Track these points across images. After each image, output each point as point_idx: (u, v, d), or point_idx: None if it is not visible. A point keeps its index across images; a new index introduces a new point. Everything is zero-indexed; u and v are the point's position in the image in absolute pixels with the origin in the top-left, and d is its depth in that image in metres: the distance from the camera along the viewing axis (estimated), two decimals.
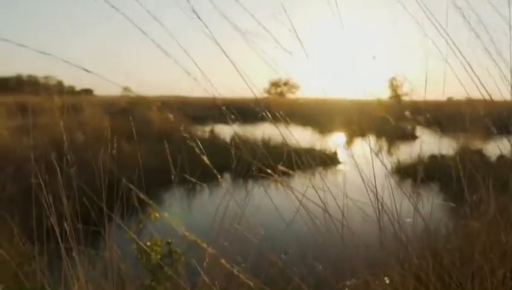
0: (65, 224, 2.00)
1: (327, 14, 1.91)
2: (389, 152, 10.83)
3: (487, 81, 1.92)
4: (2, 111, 9.46)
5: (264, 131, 9.52)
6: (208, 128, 12.22)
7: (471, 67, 1.88)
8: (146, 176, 2.55)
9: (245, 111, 1.90)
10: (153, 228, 2.36)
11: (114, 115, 9.24)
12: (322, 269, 1.99)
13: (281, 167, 1.93)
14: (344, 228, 1.79)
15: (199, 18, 1.63)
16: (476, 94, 1.95)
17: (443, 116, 2.97)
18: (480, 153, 7.97)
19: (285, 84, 44.93)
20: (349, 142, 12.16)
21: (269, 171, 1.89)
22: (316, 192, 1.80)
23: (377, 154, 2.06)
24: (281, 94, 45.18)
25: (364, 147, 2.05)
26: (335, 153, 10.38)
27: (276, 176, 1.86)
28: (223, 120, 1.96)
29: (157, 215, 2.40)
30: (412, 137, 12.89)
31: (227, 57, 1.71)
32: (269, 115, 1.82)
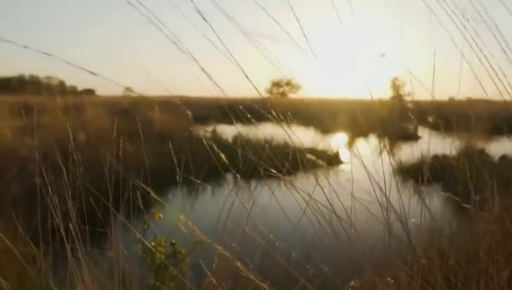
0: (70, 224, 2.00)
1: (328, 14, 1.90)
2: (393, 152, 10.80)
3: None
4: (5, 111, 9.48)
5: (269, 131, 9.50)
6: (209, 128, 12.22)
7: (489, 65, 1.86)
8: (149, 175, 2.55)
9: (249, 111, 1.90)
10: (157, 228, 2.36)
11: (116, 115, 9.24)
12: (327, 270, 1.98)
13: (285, 167, 1.93)
14: (351, 228, 1.78)
15: (204, 19, 1.63)
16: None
17: (447, 116, 2.95)
18: (483, 153, 7.96)
19: (287, 84, 44.94)
20: (352, 142, 12.15)
21: (275, 171, 1.88)
22: (323, 191, 1.79)
23: (382, 154, 2.06)
24: (283, 94, 45.17)
25: (369, 147, 2.05)
26: (337, 153, 10.37)
27: (281, 176, 1.85)
28: (225, 120, 1.96)
29: (161, 215, 2.40)
30: (414, 137, 12.86)
31: (232, 57, 1.71)
32: (275, 115, 1.81)
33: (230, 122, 1.96)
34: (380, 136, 2.51)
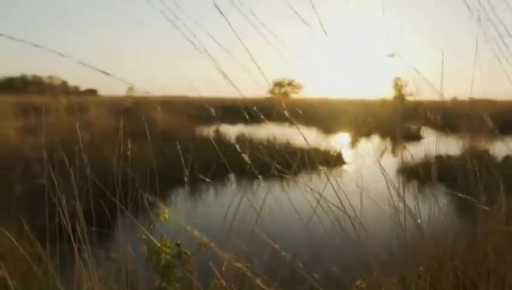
0: (77, 224, 2.00)
1: (332, 13, 1.89)
2: (398, 152, 10.79)
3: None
4: (9, 111, 9.49)
5: (271, 131, 9.49)
6: (213, 129, 12.20)
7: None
8: (152, 175, 2.54)
9: (252, 112, 1.88)
10: (163, 228, 2.35)
11: (119, 115, 9.25)
12: (336, 270, 1.97)
13: (293, 167, 1.92)
14: (361, 227, 1.77)
15: (221, 13, 1.61)
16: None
17: (451, 117, 2.94)
18: (487, 153, 7.92)
19: (289, 84, 44.99)
20: (355, 141, 12.13)
21: (284, 170, 1.87)
22: (334, 190, 1.78)
23: (387, 154, 2.04)
24: (285, 94, 45.21)
25: (375, 147, 2.03)
26: (340, 154, 10.36)
27: (291, 175, 1.84)
28: (227, 120, 1.96)
29: (167, 216, 2.39)
30: (417, 137, 12.83)
31: (248, 51, 1.69)
32: (286, 114, 1.81)
33: (232, 123, 1.95)
34: (383, 136, 2.50)
